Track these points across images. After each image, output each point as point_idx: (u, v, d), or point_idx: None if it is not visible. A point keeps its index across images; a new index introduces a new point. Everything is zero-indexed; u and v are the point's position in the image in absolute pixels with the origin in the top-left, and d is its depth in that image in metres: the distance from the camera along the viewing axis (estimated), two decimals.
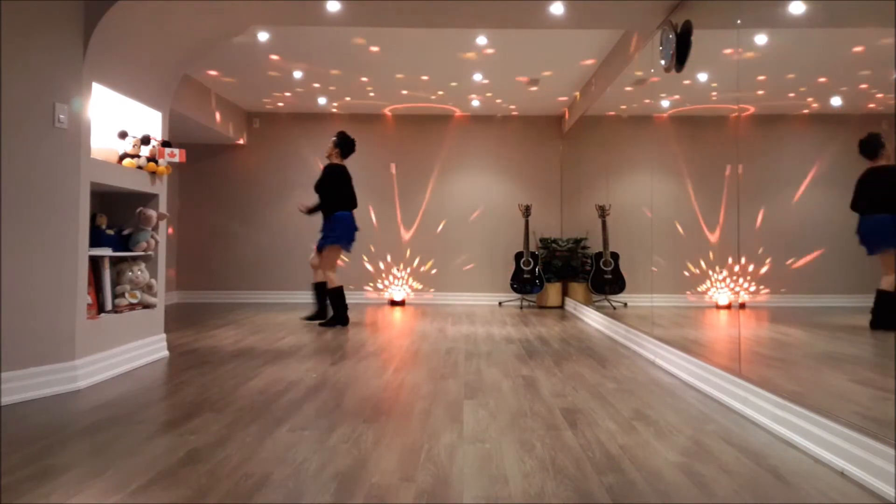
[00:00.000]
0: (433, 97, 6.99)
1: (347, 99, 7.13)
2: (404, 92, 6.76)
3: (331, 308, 5.47)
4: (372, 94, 6.91)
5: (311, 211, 5.56)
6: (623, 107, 5.17)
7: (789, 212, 2.74)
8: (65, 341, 3.04)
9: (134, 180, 3.66)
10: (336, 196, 5.36)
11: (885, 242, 2.41)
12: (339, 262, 5.63)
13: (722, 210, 3.18)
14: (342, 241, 5.35)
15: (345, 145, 5.50)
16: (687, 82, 3.64)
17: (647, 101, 4.41)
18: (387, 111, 7.78)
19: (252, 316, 6.21)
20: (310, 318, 5.70)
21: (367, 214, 7.84)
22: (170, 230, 7.52)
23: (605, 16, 3.94)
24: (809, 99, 2.65)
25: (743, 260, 2.92)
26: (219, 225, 7.87)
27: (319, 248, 5.42)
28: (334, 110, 7.75)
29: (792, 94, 2.73)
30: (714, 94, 3.48)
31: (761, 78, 2.87)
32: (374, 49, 5.33)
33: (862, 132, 2.33)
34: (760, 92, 2.90)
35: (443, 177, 7.91)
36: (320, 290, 5.57)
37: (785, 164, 2.81)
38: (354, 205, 5.44)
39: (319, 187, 5.40)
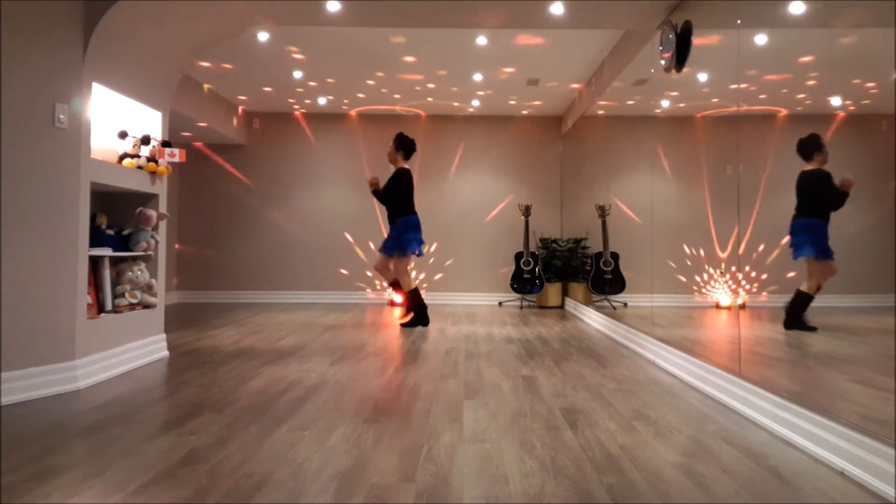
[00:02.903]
0: (433, 97, 6.99)
1: (347, 100, 7.13)
2: (399, 95, 6.77)
3: (410, 308, 5.47)
4: (371, 95, 6.91)
5: (375, 191, 5.42)
6: (625, 106, 5.16)
7: (788, 212, 2.74)
8: (65, 341, 3.04)
9: (134, 180, 3.66)
10: (399, 201, 5.34)
11: (806, 248, 2.43)
12: (409, 263, 5.54)
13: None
14: (406, 249, 5.32)
15: (406, 146, 5.45)
16: (688, 87, 3.64)
17: (648, 100, 4.41)
18: (386, 112, 7.78)
19: (252, 316, 6.21)
20: (408, 325, 5.52)
21: (368, 215, 7.85)
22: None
23: (605, 16, 3.94)
24: (803, 96, 2.65)
25: (743, 251, 2.92)
26: (219, 225, 7.87)
27: (386, 253, 5.38)
28: (334, 110, 7.75)
29: (789, 94, 2.73)
30: (714, 95, 3.48)
31: (762, 80, 2.87)
32: (375, 49, 5.33)
33: (861, 132, 2.33)
34: (762, 95, 2.90)
35: (443, 177, 7.91)
36: (415, 296, 5.46)
37: (785, 166, 2.81)
38: (414, 209, 5.41)
39: (385, 191, 5.38)
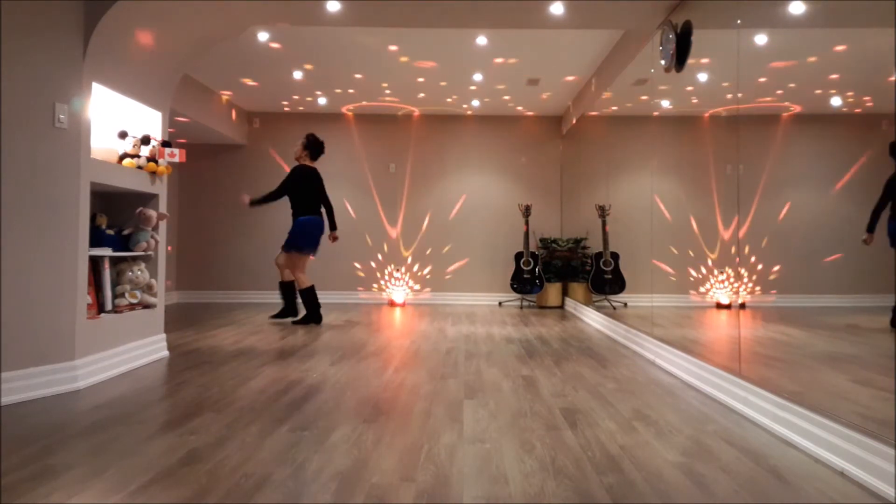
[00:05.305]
0: (433, 98, 6.98)
1: (347, 100, 7.13)
2: (399, 95, 6.77)
3: (304, 307, 5.55)
4: (371, 95, 6.90)
5: (253, 203, 5.43)
6: (625, 106, 5.16)
7: (789, 212, 2.74)
8: (65, 341, 3.04)
9: (134, 180, 3.66)
10: (301, 199, 5.39)
11: None
12: (307, 261, 5.59)
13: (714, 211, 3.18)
14: (303, 248, 5.39)
15: (313, 147, 5.50)
16: (689, 88, 3.64)
17: (644, 97, 4.41)
18: (386, 112, 7.77)
19: (252, 316, 6.21)
20: (276, 316, 5.75)
21: (368, 215, 7.85)
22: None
23: (605, 16, 3.94)
24: (805, 101, 2.65)
25: (746, 258, 2.92)
26: (219, 225, 7.87)
27: (284, 249, 5.45)
28: (334, 110, 7.75)
29: (786, 95, 2.73)
30: (714, 94, 3.48)
31: (762, 80, 2.87)
32: (375, 49, 5.33)
33: (862, 133, 2.32)
34: (761, 94, 2.90)
35: (443, 177, 7.91)
36: (286, 289, 5.57)
37: (785, 165, 2.81)
38: (318, 209, 5.46)
39: (284, 188, 5.41)
